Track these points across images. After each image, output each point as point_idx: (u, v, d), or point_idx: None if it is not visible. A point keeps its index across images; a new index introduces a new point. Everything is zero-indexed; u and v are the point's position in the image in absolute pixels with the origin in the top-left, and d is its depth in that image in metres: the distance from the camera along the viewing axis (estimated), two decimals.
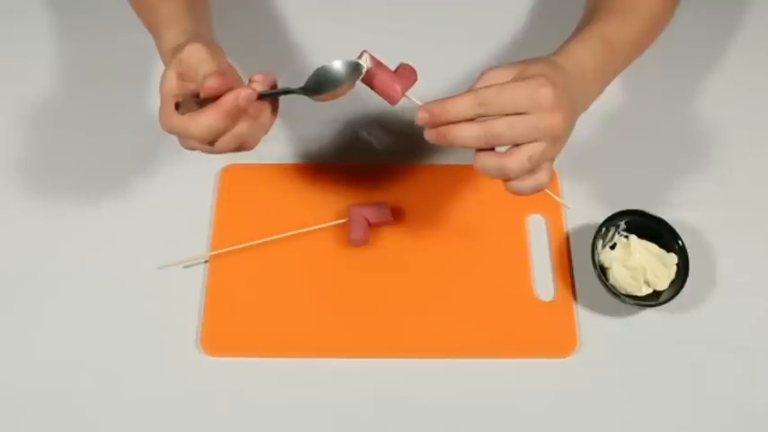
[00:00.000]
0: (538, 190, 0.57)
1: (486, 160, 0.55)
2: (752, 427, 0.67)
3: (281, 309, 0.70)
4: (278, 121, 0.82)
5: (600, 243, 0.71)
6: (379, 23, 0.86)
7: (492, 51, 0.85)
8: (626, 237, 0.71)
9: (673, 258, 0.70)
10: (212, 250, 0.72)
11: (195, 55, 0.56)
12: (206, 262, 0.72)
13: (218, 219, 0.74)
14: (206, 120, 0.55)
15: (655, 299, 0.69)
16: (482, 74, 0.58)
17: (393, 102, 0.59)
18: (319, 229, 0.73)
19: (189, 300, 0.71)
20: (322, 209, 0.74)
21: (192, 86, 0.57)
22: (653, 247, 0.71)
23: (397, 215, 0.74)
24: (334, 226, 0.73)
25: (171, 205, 0.75)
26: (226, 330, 0.69)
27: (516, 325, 0.70)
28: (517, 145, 0.55)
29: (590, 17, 0.67)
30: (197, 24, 0.64)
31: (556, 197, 0.66)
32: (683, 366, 0.69)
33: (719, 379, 0.68)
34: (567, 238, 0.74)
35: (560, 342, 0.69)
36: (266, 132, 0.60)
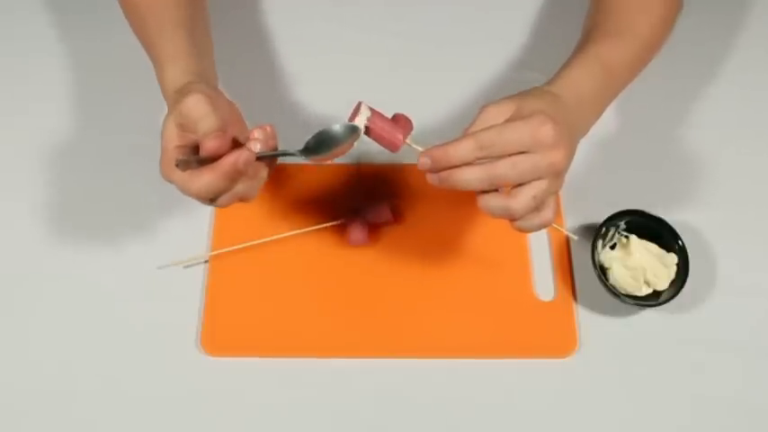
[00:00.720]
0: (544, 227, 0.58)
1: (491, 202, 0.55)
2: (752, 427, 0.67)
3: (280, 309, 0.70)
4: (277, 121, 0.82)
5: (600, 243, 0.71)
6: (379, 24, 0.86)
7: (493, 52, 0.85)
8: (626, 237, 0.71)
9: (673, 258, 0.70)
10: (212, 250, 0.72)
11: (196, 109, 0.55)
12: (206, 262, 0.72)
13: (218, 219, 0.74)
14: (205, 180, 0.55)
15: (655, 299, 0.69)
16: (479, 112, 0.57)
17: (395, 149, 0.59)
18: (319, 229, 0.73)
19: (189, 300, 0.71)
20: (322, 209, 0.74)
21: (192, 137, 0.57)
22: (653, 247, 0.71)
23: (397, 215, 0.74)
24: (334, 226, 0.73)
25: (171, 205, 0.75)
26: (226, 330, 0.69)
27: (516, 325, 0.70)
28: (521, 184, 0.55)
29: (587, 39, 0.67)
30: (199, 59, 0.63)
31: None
32: (683, 366, 0.69)
33: (719, 379, 0.68)
34: (567, 239, 0.74)
35: (560, 342, 0.69)
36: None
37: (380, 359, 0.68)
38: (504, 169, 0.54)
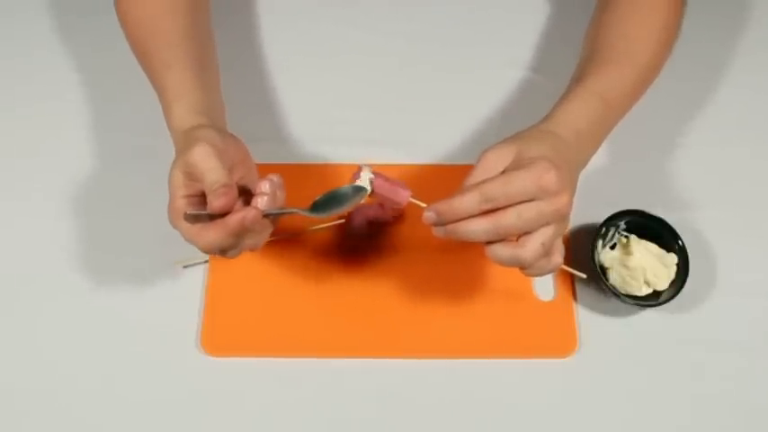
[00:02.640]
0: (554, 271, 0.58)
1: (500, 252, 0.55)
2: (752, 426, 0.67)
3: (280, 309, 0.70)
4: (278, 122, 0.82)
5: (600, 243, 0.71)
6: (382, 25, 0.86)
7: (497, 52, 0.85)
8: (626, 237, 0.71)
9: (673, 258, 0.70)
10: None
11: (203, 161, 0.55)
12: (206, 262, 0.72)
13: None
14: (212, 236, 0.56)
15: (655, 299, 0.69)
16: (479, 159, 0.57)
17: (402, 204, 0.61)
18: (319, 229, 0.73)
19: (189, 300, 0.71)
20: None
21: (199, 186, 0.57)
22: (653, 247, 0.71)
23: (397, 215, 0.74)
24: (334, 226, 0.73)
25: None
26: (226, 330, 0.69)
27: (516, 325, 0.70)
28: (527, 232, 0.55)
29: (585, 70, 0.67)
30: (205, 93, 0.63)
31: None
32: (683, 366, 0.69)
33: (719, 379, 0.68)
34: (567, 238, 0.74)
35: (560, 342, 0.69)
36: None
37: (380, 359, 0.68)
38: (511, 220, 0.54)
